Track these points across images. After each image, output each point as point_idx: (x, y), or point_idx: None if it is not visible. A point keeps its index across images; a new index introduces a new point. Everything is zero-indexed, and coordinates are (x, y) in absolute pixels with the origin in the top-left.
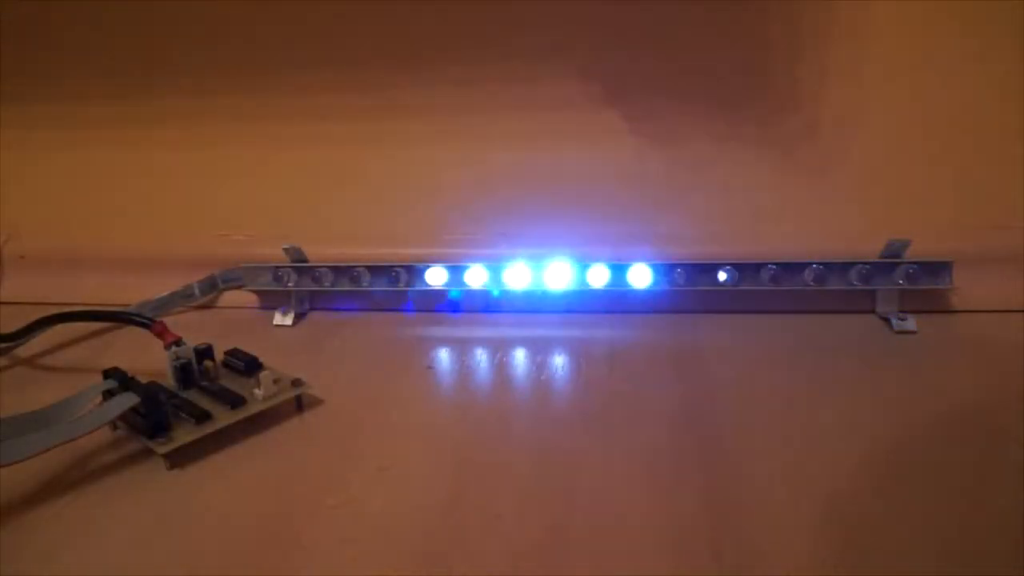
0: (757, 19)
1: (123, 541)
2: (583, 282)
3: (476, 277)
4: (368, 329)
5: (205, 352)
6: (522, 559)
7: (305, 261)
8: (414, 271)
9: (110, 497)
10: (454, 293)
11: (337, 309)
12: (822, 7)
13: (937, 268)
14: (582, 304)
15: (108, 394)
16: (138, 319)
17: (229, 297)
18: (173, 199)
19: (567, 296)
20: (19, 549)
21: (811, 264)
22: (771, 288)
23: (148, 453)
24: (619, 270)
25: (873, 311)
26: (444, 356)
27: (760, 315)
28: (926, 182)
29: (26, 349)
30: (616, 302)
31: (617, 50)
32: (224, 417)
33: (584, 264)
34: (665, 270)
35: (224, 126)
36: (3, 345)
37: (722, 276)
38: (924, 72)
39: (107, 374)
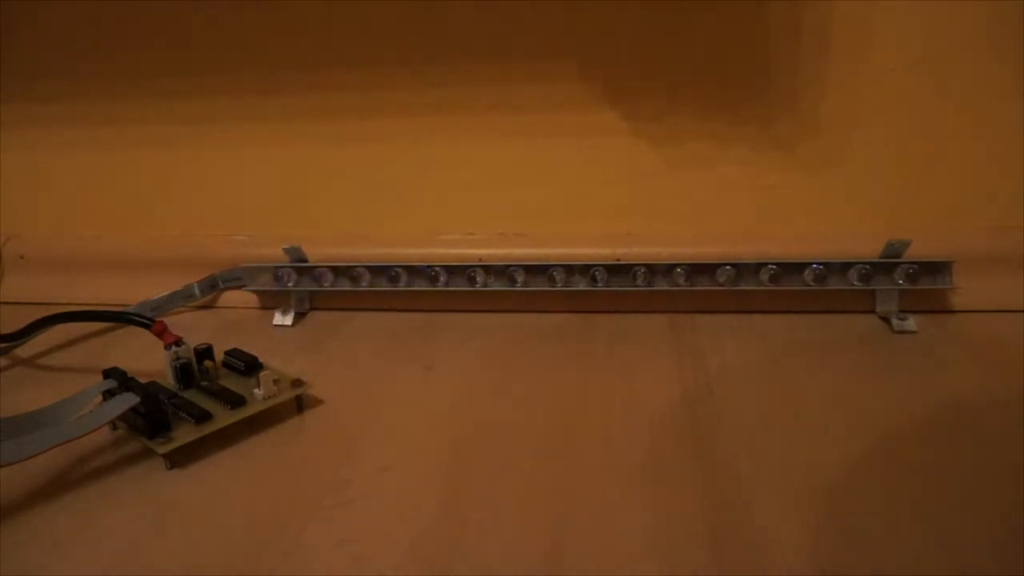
0: (757, 19)
1: (123, 541)
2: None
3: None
4: (368, 329)
5: (205, 352)
6: (522, 559)
7: (305, 261)
8: (414, 271)
9: (110, 497)
10: (454, 292)
11: (337, 309)
12: (822, 7)
13: (937, 268)
14: (583, 303)
15: (108, 394)
16: (138, 319)
17: (229, 297)
18: (173, 199)
19: (567, 295)
20: (19, 549)
21: (811, 264)
22: (771, 288)
23: (148, 453)
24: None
25: (873, 311)
26: (444, 356)
27: (760, 315)
28: (926, 182)
29: (26, 349)
30: (615, 301)
31: (617, 50)
32: (224, 417)
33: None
34: (665, 270)
35: (224, 126)
36: (3, 345)
37: (722, 276)
38: (924, 72)
39: (107, 374)
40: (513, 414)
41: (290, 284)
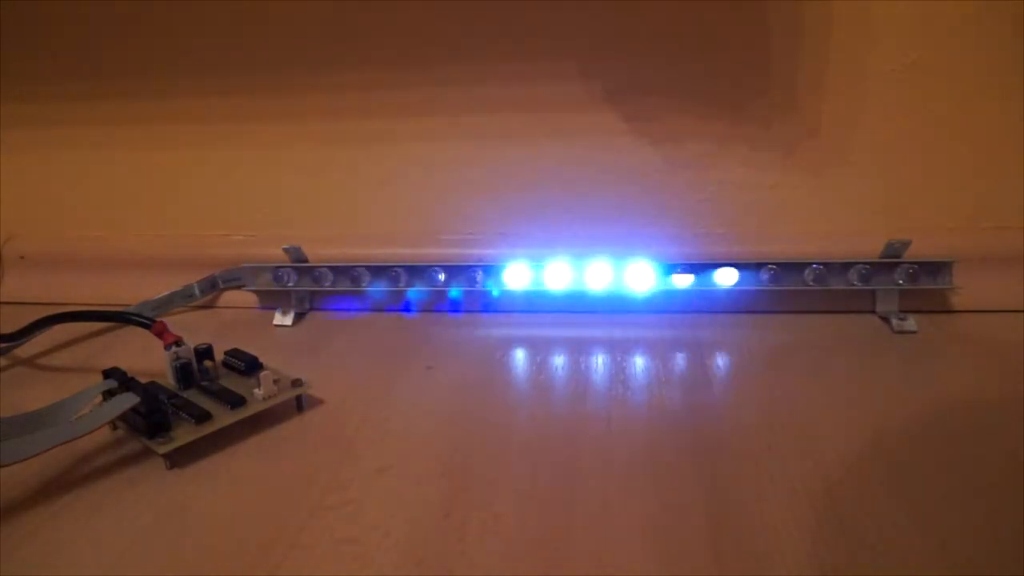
0: (757, 19)
1: (123, 541)
2: (583, 282)
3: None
4: (368, 329)
5: (205, 352)
6: (522, 559)
7: (305, 261)
8: (414, 271)
9: (110, 497)
10: (454, 293)
11: (337, 309)
12: (822, 7)
13: (937, 268)
14: (582, 304)
15: (108, 394)
16: (138, 319)
17: (229, 297)
18: (173, 199)
19: (567, 296)
20: (19, 549)
21: (811, 264)
22: (771, 288)
23: (148, 453)
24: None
25: (873, 311)
26: (444, 356)
27: (760, 315)
28: (926, 182)
29: (26, 349)
30: (616, 302)
31: (617, 50)
32: (224, 417)
33: (583, 264)
34: (666, 270)
35: (224, 126)
36: (3, 345)
37: (722, 276)
38: (924, 72)
39: (107, 374)
40: (513, 414)
41: (290, 284)
